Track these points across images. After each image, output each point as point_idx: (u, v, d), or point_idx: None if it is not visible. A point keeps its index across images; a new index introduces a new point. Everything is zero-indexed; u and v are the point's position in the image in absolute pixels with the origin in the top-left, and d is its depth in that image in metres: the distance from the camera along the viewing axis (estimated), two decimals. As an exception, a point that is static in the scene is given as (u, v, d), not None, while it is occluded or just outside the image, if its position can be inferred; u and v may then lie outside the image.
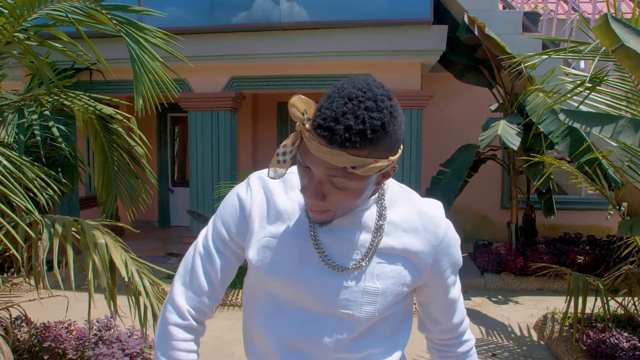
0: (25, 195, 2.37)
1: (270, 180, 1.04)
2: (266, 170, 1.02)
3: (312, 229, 0.98)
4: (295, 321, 0.99)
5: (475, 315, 4.75)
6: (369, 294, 0.97)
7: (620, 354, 3.13)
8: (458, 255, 1.05)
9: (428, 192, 5.89)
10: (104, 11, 2.62)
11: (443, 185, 5.74)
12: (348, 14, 5.57)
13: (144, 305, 2.55)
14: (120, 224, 2.85)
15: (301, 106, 0.85)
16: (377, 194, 1.00)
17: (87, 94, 3.17)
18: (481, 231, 7.56)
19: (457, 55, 5.99)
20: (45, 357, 3.26)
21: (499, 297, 5.32)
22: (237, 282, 5.29)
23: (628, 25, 2.29)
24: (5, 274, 4.13)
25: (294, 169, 1.05)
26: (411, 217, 1.00)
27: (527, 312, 4.84)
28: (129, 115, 3.26)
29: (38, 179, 2.67)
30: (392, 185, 1.04)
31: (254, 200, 1.03)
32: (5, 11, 2.58)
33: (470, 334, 1.16)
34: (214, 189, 6.17)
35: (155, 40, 2.75)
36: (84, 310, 2.49)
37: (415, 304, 1.14)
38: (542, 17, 5.80)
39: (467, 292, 5.41)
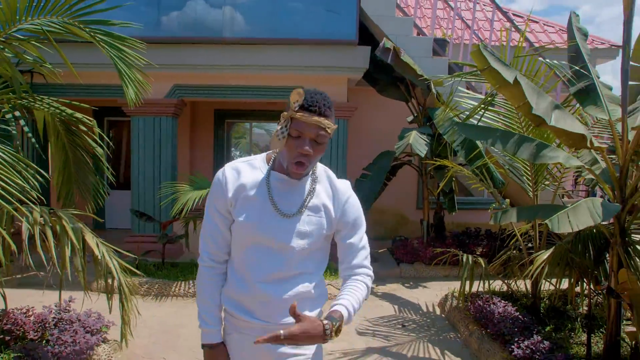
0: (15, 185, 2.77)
1: (240, 164, 1.65)
2: (233, 162, 1.66)
3: (269, 193, 1.61)
4: (261, 256, 1.60)
5: (390, 298, 5.53)
6: (302, 234, 1.60)
7: (495, 316, 4.00)
8: (358, 213, 1.68)
9: (353, 193, 6.64)
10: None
11: (365, 186, 6.51)
12: (283, 33, 6.22)
13: (115, 279, 3.03)
14: (91, 215, 3.29)
15: (294, 98, 1.51)
16: (309, 175, 1.64)
17: (52, 98, 3.57)
18: (400, 229, 8.46)
19: (379, 73, 6.82)
20: (7, 338, 3.59)
21: (411, 283, 6.16)
22: (180, 275, 5.75)
23: (493, 52, 3.10)
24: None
25: (252, 157, 1.68)
26: (328, 188, 1.67)
27: (434, 293, 5.70)
28: (91, 119, 3.70)
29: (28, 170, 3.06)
30: (319, 169, 1.69)
31: (228, 180, 1.62)
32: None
33: (368, 270, 1.69)
34: (157, 190, 6.56)
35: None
36: (42, 301, 2.91)
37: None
38: (449, 43, 6.76)
39: (385, 280, 6.21)
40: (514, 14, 8.66)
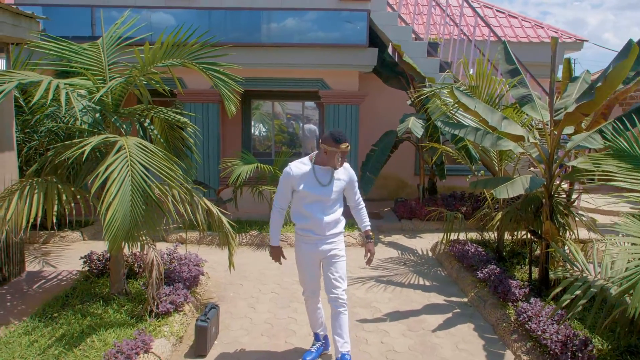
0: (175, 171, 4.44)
1: (297, 163, 3.56)
2: (293, 162, 3.58)
3: (315, 175, 3.50)
4: (312, 203, 3.52)
5: (394, 245, 7.35)
6: (331, 192, 3.53)
7: (469, 254, 5.80)
8: (355, 178, 3.69)
9: (364, 164, 8.35)
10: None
11: (373, 159, 8.21)
12: (310, 39, 7.79)
13: (225, 231, 4.78)
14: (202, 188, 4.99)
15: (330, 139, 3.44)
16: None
17: (167, 109, 5.21)
18: (400, 192, 10.24)
19: (384, 68, 8.41)
20: (139, 270, 5.37)
21: (410, 234, 7.98)
22: (234, 229, 7.49)
23: (462, 91, 4.75)
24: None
25: (302, 159, 3.60)
26: (343, 170, 3.62)
27: (427, 242, 7.51)
28: (187, 120, 5.35)
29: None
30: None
31: (293, 172, 3.51)
32: (138, 66, 4.60)
33: (363, 203, 3.77)
34: (207, 163, 8.26)
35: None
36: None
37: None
38: (440, 45, 8.31)
39: (389, 232, 8.02)
40: (497, 10, 10.16)
